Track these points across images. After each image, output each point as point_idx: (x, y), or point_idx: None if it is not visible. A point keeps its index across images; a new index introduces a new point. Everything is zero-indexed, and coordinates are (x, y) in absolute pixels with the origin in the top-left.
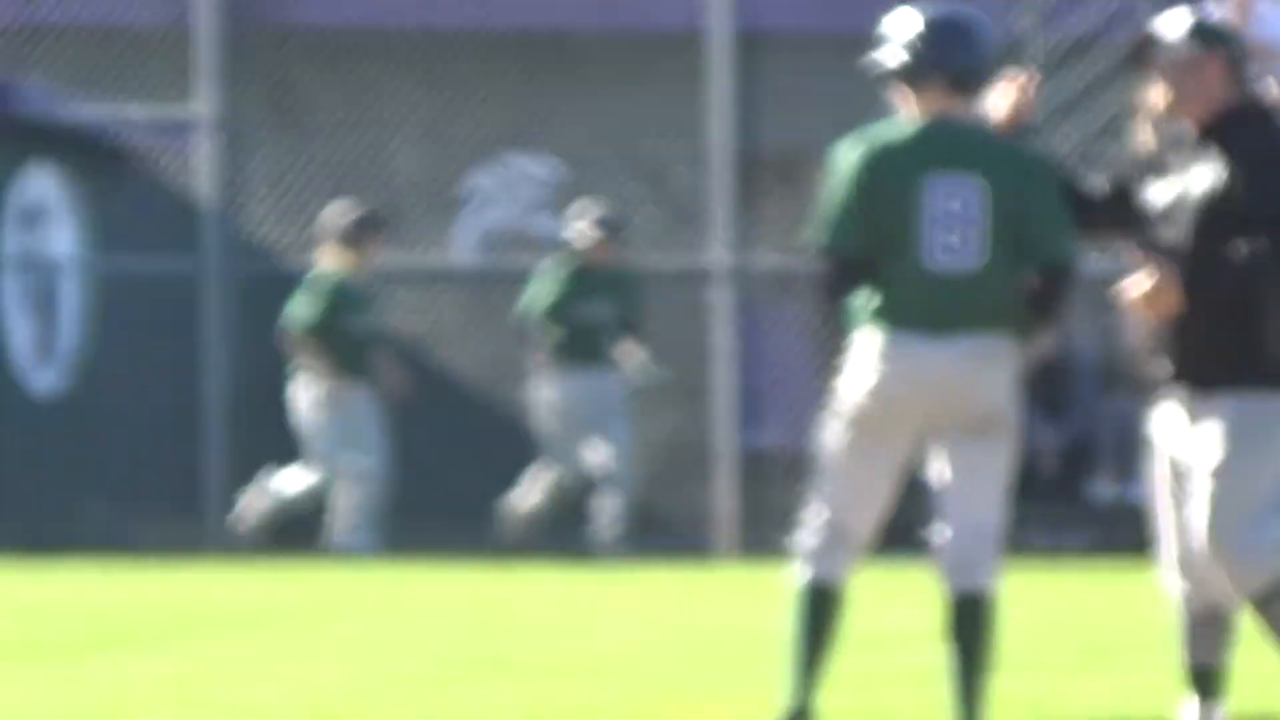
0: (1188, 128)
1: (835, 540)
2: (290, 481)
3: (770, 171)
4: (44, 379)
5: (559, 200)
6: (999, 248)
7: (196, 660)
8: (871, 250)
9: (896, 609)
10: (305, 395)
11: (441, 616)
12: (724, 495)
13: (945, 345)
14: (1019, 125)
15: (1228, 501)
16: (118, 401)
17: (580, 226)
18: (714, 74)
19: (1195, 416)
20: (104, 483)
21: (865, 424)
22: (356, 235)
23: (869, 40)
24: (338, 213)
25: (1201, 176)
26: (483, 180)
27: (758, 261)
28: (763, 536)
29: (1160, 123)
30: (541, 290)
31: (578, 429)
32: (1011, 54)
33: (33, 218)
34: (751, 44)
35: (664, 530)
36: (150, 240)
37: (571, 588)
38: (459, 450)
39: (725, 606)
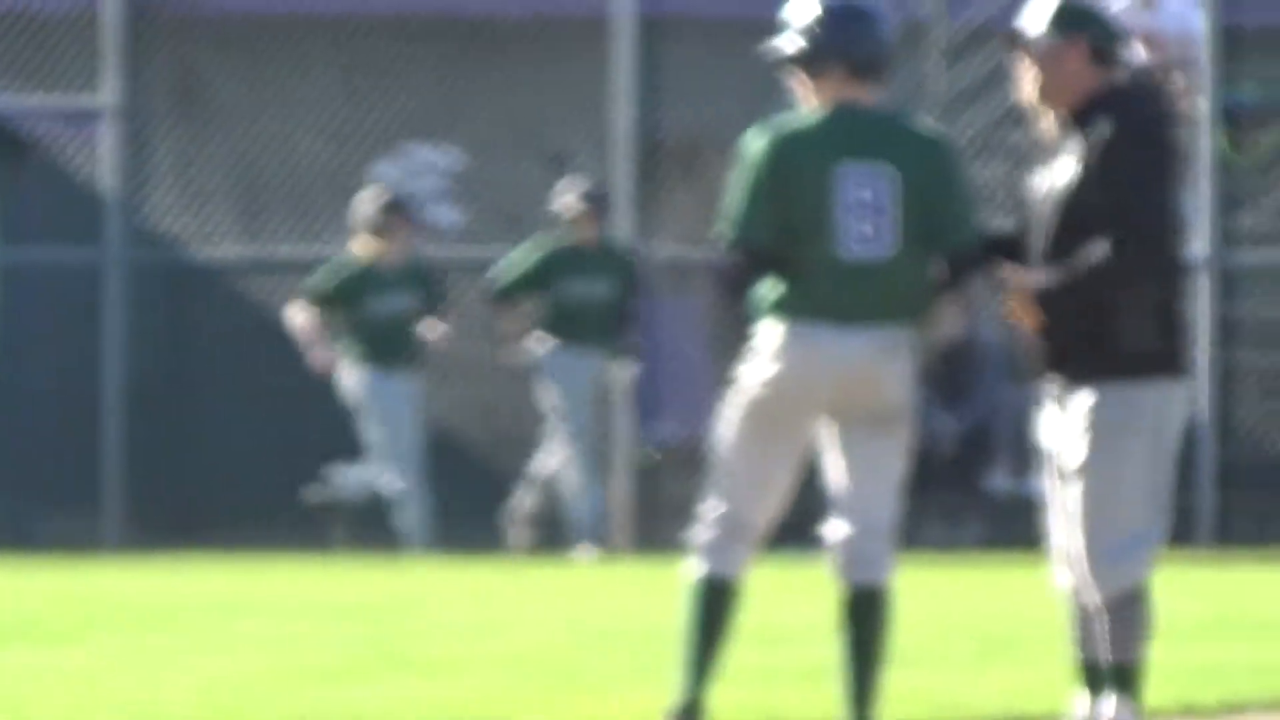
0: (1059, 117)
1: (732, 534)
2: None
3: (671, 159)
4: None
5: (457, 190)
6: (910, 235)
7: (97, 655)
8: (781, 241)
9: (790, 604)
10: (347, 381)
11: (344, 613)
12: (620, 489)
13: (852, 335)
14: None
15: (1093, 500)
16: (16, 393)
17: (568, 200)
18: (618, 59)
19: (1064, 411)
20: (2, 476)
21: (765, 415)
22: (383, 222)
23: (775, 26)
24: (367, 199)
25: (1064, 168)
26: (385, 170)
27: (656, 251)
28: (659, 530)
29: (1034, 114)
30: (520, 262)
31: (580, 409)
32: (914, 40)
33: None
34: (655, 29)
35: (559, 525)
36: (53, 230)
37: (472, 584)
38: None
39: (622, 601)
